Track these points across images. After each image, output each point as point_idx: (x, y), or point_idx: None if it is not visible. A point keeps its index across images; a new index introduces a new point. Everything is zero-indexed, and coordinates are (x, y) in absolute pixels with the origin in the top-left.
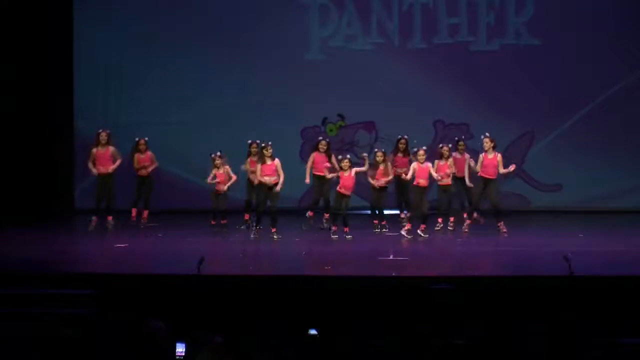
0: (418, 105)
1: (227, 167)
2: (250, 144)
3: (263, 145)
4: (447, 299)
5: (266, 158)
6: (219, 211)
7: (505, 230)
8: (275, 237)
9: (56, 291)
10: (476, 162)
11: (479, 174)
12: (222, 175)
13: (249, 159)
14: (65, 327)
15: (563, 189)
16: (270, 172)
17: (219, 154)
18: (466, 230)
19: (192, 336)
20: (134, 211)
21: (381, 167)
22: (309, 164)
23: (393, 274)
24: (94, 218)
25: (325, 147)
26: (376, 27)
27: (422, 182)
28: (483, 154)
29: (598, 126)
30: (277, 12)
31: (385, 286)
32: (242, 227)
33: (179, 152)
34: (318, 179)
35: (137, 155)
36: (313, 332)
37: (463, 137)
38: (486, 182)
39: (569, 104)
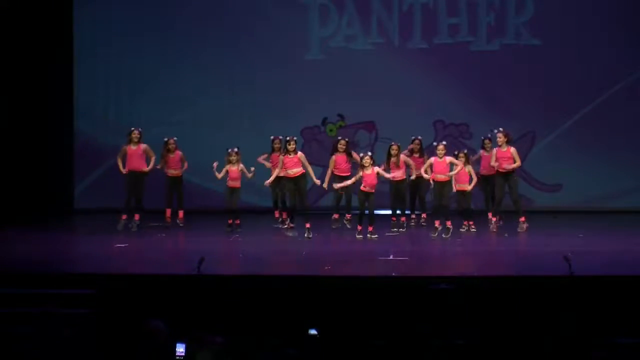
0: (418, 105)
1: (242, 164)
2: (273, 140)
3: (287, 139)
4: (447, 299)
5: (290, 152)
6: (232, 210)
7: (526, 225)
8: (289, 234)
9: (56, 291)
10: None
11: (496, 169)
12: (236, 172)
13: (271, 155)
14: (65, 327)
15: (563, 189)
16: (293, 164)
17: (236, 149)
18: (494, 230)
19: (192, 336)
20: (168, 211)
21: (393, 160)
22: (331, 167)
23: (393, 274)
24: (123, 216)
25: (344, 147)
26: (376, 27)
27: (440, 177)
28: (496, 148)
29: (598, 126)
30: (277, 12)
31: (385, 286)
32: (278, 226)
33: None
34: (340, 180)
35: (168, 155)
36: (313, 332)
37: (490, 135)
38: (506, 176)
39: (569, 104)
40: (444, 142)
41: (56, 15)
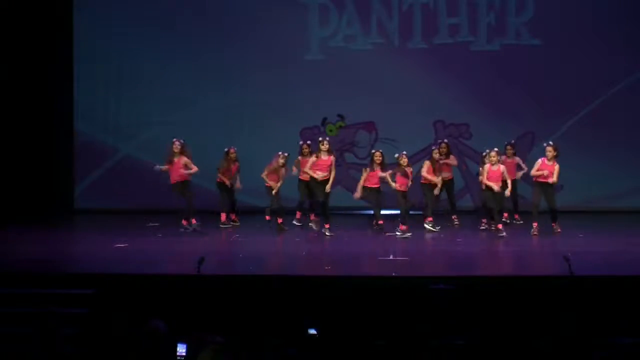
0: (418, 105)
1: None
2: (302, 145)
3: (320, 139)
4: (447, 299)
5: (322, 153)
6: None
7: (559, 230)
8: (327, 234)
9: (56, 291)
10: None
11: (535, 179)
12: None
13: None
14: (65, 326)
15: (563, 189)
16: (324, 167)
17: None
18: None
19: (192, 336)
20: (223, 215)
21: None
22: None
23: (393, 274)
24: (183, 222)
25: (380, 159)
26: (376, 27)
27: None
28: (542, 158)
29: (598, 126)
30: (277, 12)
31: (385, 286)
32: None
33: None
34: (368, 189)
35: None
36: (312, 332)
37: (513, 140)
38: (544, 187)
39: (569, 104)
40: (496, 149)
41: (56, 16)
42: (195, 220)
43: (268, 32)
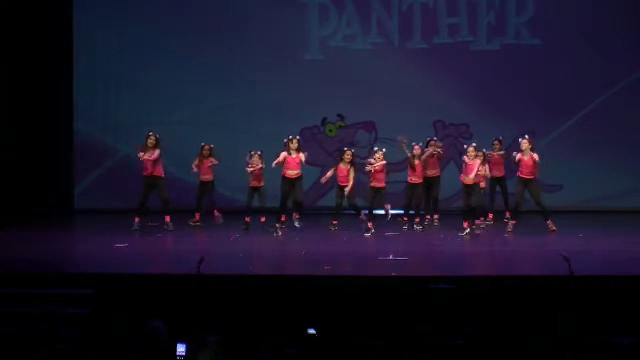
0: (418, 105)
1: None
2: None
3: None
4: (447, 299)
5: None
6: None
7: (554, 228)
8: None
9: (56, 291)
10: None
11: (517, 174)
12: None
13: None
14: (65, 327)
15: (563, 189)
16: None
17: (259, 152)
18: (510, 230)
19: (191, 336)
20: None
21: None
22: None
23: (393, 274)
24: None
25: (350, 158)
26: (376, 27)
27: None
28: (519, 154)
29: (598, 126)
30: (277, 12)
31: (385, 286)
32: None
33: (179, 152)
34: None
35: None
36: (312, 332)
37: (502, 137)
38: (525, 182)
39: (569, 104)
40: (474, 144)
41: (56, 15)
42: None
43: (268, 32)
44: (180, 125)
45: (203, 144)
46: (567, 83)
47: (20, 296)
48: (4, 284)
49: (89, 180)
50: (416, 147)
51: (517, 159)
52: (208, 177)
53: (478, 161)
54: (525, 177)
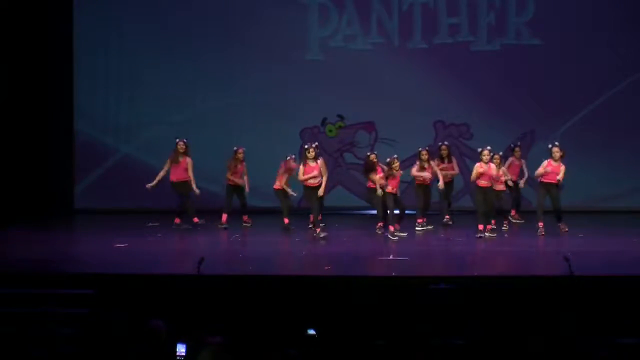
0: (418, 105)
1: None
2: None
3: (306, 147)
4: (447, 299)
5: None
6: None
7: (566, 229)
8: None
9: (56, 291)
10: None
11: (541, 179)
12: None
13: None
14: (65, 327)
15: (563, 189)
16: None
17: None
18: (543, 233)
19: (192, 336)
20: (224, 216)
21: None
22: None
23: (393, 274)
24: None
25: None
26: (376, 27)
27: (483, 182)
28: (549, 160)
29: (598, 127)
30: (277, 12)
31: (385, 286)
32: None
33: None
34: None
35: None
36: (312, 332)
37: (519, 143)
38: (548, 187)
39: (569, 104)
40: (489, 147)
41: (56, 15)
42: (198, 218)
43: (268, 32)
44: (180, 125)
45: (236, 148)
46: (567, 83)
47: (20, 296)
48: (4, 284)
49: (89, 180)
50: (423, 151)
51: (544, 166)
52: (241, 181)
53: (492, 164)
54: (552, 182)
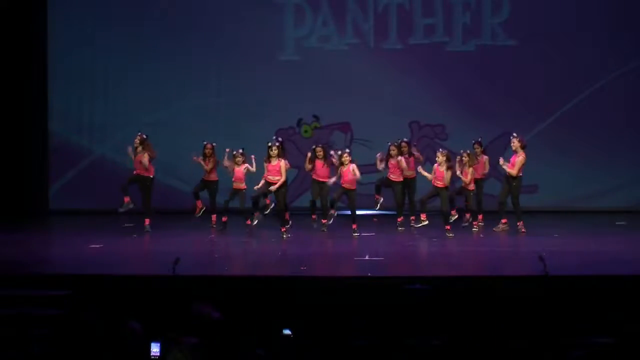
0: (394, 106)
1: (247, 164)
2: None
3: (269, 144)
4: (423, 299)
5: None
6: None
7: (523, 230)
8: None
9: (30, 292)
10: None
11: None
12: (240, 172)
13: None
14: (40, 328)
15: (539, 190)
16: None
17: (241, 150)
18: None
19: (167, 337)
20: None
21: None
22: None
23: (369, 274)
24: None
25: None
26: (351, 28)
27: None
28: (514, 154)
29: (574, 127)
30: (251, 13)
31: (361, 286)
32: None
33: None
34: (319, 184)
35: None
36: (287, 332)
37: (480, 139)
38: (506, 180)
39: (545, 105)
40: (441, 150)
41: (30, 16)
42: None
43: (243, 33)
44: (154, 126)
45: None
46: (542, 84)
47: None
48: None
49: (64, 181)
50: (392, 146)
51: (502, 160)
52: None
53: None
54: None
